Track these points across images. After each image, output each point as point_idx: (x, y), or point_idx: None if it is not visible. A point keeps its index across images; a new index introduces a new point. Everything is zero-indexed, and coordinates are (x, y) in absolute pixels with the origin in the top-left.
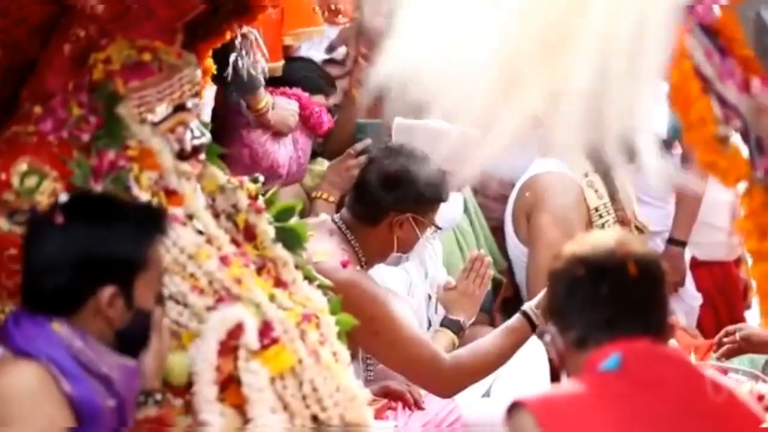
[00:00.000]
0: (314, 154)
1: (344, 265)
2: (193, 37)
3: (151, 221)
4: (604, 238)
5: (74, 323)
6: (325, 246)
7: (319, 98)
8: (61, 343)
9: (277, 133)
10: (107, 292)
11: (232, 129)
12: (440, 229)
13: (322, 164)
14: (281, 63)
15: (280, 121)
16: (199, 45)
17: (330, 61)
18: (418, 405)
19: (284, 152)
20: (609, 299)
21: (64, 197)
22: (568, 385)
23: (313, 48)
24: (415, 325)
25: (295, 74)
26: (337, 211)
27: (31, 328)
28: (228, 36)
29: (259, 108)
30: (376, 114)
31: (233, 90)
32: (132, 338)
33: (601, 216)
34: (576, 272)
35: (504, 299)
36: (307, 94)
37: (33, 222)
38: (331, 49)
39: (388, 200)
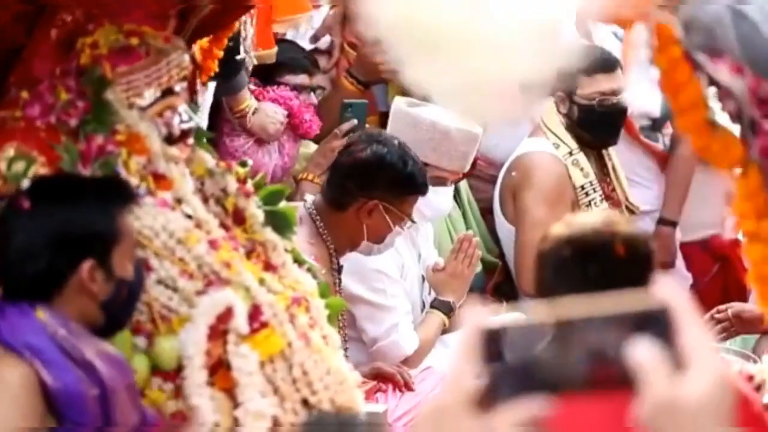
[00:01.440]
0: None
1: None
2: (199, 34)
3: (116, 192)
4: (591, 218)
5: (58, 305)
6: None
7: (303, 78)
8: (45, 332)
9: (261, 140)
10: (86, 266)
11: (216, 137)
12: (414, 222)
13: (308, 147)
14: (274, 50)
15: (259, 126)
16: (208, 43)
17: (315, 51)
18: (408, 386)
19: (268, 160)
20: (597, 280)
21: (25, 183)
22: None
23: (298, 38)
24: None
25: (280, 56)
26: None
27: (16, 319)
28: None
29: (239, 109)
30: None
31: (218, 88)
32: (117, 308)
33: (587, 194)
34: (563, 253)
35: (496, 282)
36: (296, 101)
37: (1, 213)
38: (315, 38)
39: (355, 186)
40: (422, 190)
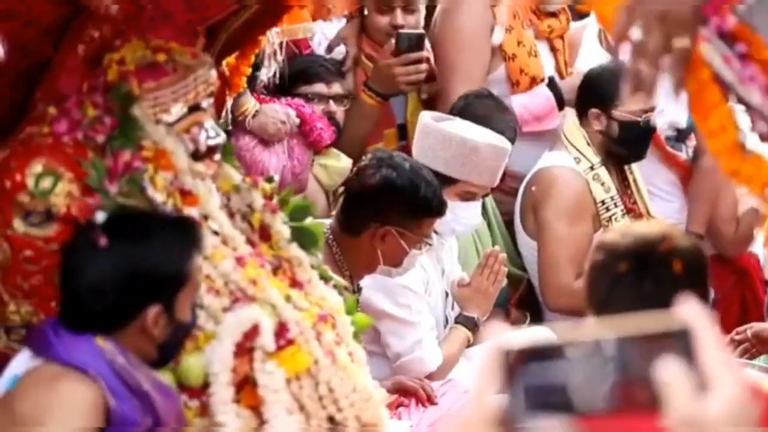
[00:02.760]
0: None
1: None
2: (227, 50)
3: (188, 234)
4: (647, 230)
5: (115, 339)
6: None
7: (320, 86)
8: (103, 357)
9: (267, 141)
10: (152, 311)
11: None
12: (431, 245)
13: (339, 159)
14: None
15: (258, 126)
16: (235, 59)
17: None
18: (431, 400)
19: (275, 161)
20: (652, 296)
21: (101, 217)
22: None
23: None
24: None
25: (292, 68)
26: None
27: (73, 341)
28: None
29: (239, 112)
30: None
31: None
32: (170, 349)
33: (608, 209)
34: (618, 267)
35: (520, 296)
36: (308, 109)
37: (72, 244)
38: (329, 49)
39: (366, 212)
40: (437, 212)
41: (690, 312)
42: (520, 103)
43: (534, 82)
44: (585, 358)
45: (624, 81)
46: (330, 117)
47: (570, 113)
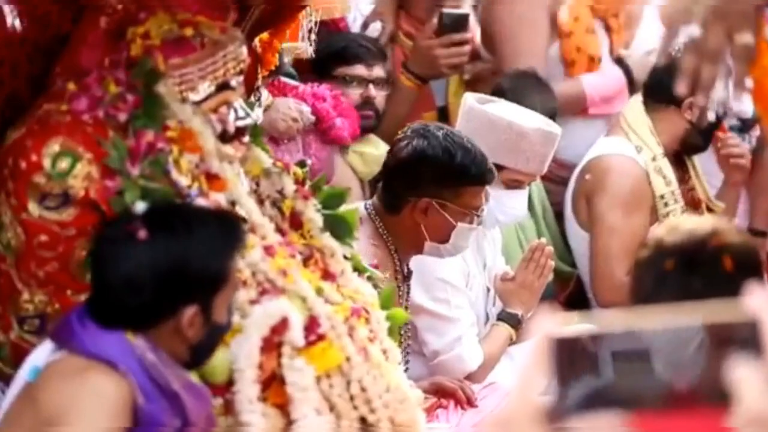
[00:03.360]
0: (366, 130)
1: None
2: (260, 27)
3: (231, 232)
4: (696, 225)
5: (148, 336)
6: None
7: (360, 68)
8: (133, 353)
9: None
10: (189, 312)
11: None
12: (479, 216)
13: (378, 146)
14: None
15: (267, 123)
16: (269, 35)
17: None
18: (471, 402)
19: (289, 159)
20: (700, 295)
21: (141, 207)
22: None
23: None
24: None
25: (331, 47)
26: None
27: (101, 333)
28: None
29: None
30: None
31: None
32: (203, 351)
33: (666, 204)
34: (665, 264)
35: (569, 293)
36: (326, 104)
37: (108, 233)
38: (365, 26)
39: (402, 186)
40: (479, 180)
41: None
42: (590, 83)
43: (592, 61)
44: (640, 349)
45: (680, 78)
46: (368, 102)
47: (633, 98)
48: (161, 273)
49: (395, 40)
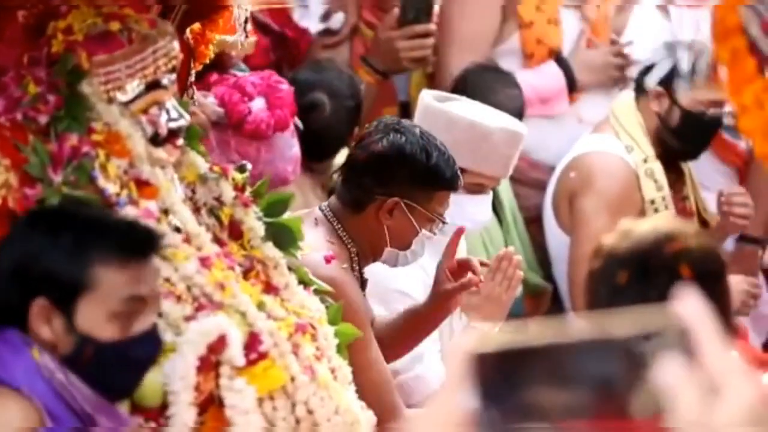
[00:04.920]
0: None
1: (328, 260)
2: (190, 18)
3: (104, 240)
4: (651, 229)
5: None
6: (309, 238)
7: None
8: (40, 374)
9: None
10: (37, 303)
11: None
12: (445, 223)
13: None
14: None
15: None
16: (201, 26)
17: (326, 32)
18: None
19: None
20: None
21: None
22: None
23: (306, 17)
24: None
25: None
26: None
27: (7, 354)
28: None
29: None
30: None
31: None
32: (93, 372)
33: (656, 210)
34: (618, 276)
35: (546, 310)
36: (236, 96)
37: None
38: (326, 16)
39: (372, 181)
40: (451, 185)
41: (688, 309)
42: (525, 81)
43: (551, 54)
44: (563, 360)
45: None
46: None
47: (624, 93)
48: (11, 267)
49: (356, 30)
